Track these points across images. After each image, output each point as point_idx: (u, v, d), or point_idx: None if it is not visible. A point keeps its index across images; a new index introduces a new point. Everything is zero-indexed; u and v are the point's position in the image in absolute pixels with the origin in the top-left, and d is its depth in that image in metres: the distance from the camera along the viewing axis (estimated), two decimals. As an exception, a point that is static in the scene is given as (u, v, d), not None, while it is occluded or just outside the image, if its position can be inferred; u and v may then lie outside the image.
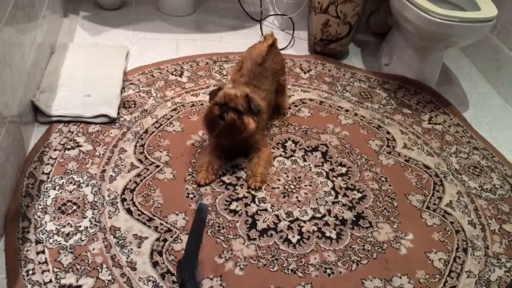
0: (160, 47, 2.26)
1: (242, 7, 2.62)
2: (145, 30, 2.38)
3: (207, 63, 2.17)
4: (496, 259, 1.47)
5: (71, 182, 1.51)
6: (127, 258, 1.32)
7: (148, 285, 1.27)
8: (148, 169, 1.60)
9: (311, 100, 2.02)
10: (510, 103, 2.23)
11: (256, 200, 1.55)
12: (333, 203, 1.58)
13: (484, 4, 1.94)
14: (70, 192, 1.48)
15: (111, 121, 1.76)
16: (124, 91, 1.92)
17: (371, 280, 1.36)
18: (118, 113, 1.80)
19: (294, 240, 1.44)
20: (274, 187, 1.60)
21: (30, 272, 1.25)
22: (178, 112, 1.86)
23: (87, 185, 1.51)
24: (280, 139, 1.81)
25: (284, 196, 1.58)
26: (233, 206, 1.52)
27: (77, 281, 1.25)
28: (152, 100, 1.90)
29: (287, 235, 1.45)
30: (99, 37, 2.29)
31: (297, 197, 1.58)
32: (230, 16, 2.60)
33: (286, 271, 1.35)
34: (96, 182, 1.53)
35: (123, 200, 1.48)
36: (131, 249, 1.35)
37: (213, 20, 2.55)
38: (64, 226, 1.38)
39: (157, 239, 1.38)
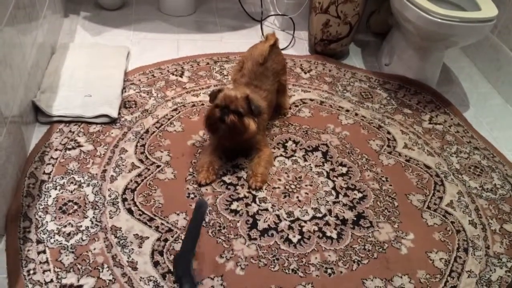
0: (160, 47, 2.26)
1: (242, 7, 2.62)
2: (145, 30, 2.38)
3: (208, 63, 2.17)
4: (497, 259, 1.47)
5: (72, 182, 1.52)
6: (128, 258, 1.32)
7: (149, 285, 1.27)
8: (149, 169, 1.60)
9: (311, 100, 2.03)
10: (510, 103, 2.23)
11: (257, 200, 1.55)
12: (334, 203, 1.58)
13: (484, 4, 1.94)
14: (71, 192, 1.49)
15: (112, 121, 1.76)
16: (125, 91, 1.93)
17: (372, 280, 1.36)
18: (119, 113, 1.80)
19: (295, 240, 1.44)
20: (275, 187, 1.60)
21: (31, 272, 1.26)
22: (179, 112, 1.86)
23: (88, 185, 1.51)
24: (281, 139, 1.81)
25: (285, 196, 1.58)
26: (234, 206, 1.52)
27: (78, 281, 1.25)
28: (152, 100, 1.90)
29: (288, 235, 1.45)
30: (99, 37, 2.29)
31: (297, 197, 1.58)
32: (230, 16, 2.60)
33: (287, 271, 1.36)
34: (97, 182, 1.53)
35: (124, 200, 1.49)
36: (132, 249, 1.35)
37: (213, 20, 2.55)
38: (65, 226, 1.38)
39: (158, 239, 1.39)
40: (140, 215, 1.45)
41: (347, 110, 1.99)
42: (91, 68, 1.95)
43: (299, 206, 1.55)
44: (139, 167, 1.60)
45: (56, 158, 1.59)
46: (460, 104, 2.18)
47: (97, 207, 1.45)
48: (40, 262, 1.28)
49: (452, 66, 2.45)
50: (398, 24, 2.20)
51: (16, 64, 1.51)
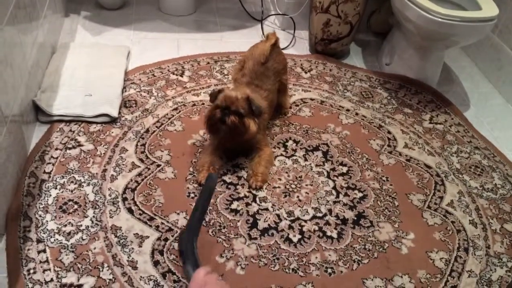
0: (161, 47, 2.26)
1: (243, 6, 2.62)
2: (146, 29, 2.38)
3: (208, 63, 2.17)
4: (497, 258, 1.47)
5: (72, 181, 1.52)
6: (128, 257, 1.32)
7: (149, 284, 1.27)
8: (149, 169, 1.60)
9: (312, 99, 2.02)
10: (511, 103, 2.23)
11: (257, 199, 1.55)
12: (334, 202, 1.58)
13: (485, 3, 1.94)
14: (71, 191, 1.49)
15: (112, 121, 1.76)
16: (125, 91, 1.93)
17: (372, 280, 1.36)
18: (119, 113, 1.80)
19: (295, 240, 1.44)
20: (275, 187, 1.60)
21: (31, 271, 1.26)
22: (179, 111, 1.86)
23: (88, 184, 1.51)
24: (281, 138, 1.81)
25: (285, 196, 1.58)
26: (234, 205, 1.52)
27: (78, 280, 1.25)
28: (153, 99, 1.90)
29: (288, 234, 1.45)
30: (100, 37, 2.30)
31: (298, 197, 1.58)
32: (231, 16, 2.60)
33: (287, 270, 1.35)
34: (97, 182, 1.53)
35: (124, 199, 1.49)
36: (132, 248, 1.35)
37: (214, 19, 2.55)
38: (65, 225, 1.38)
39: (158, 238, 1.39)
40: (140, 214, 1.45)
41: (348, 110, 1.99)
42: (91, 68, 1.95)
43: (299, 206, 1.55)
44: (139, 166, 1.60)
45: (57, 158, 1.59)
46: (461, 103, 2.17)
47: (97, 207, 1.45)
48: (40, 261, 1.28)
49: (452, 66, 2.44)
50: (398, 23, 2.20)
51: (16, 63, 1.51)
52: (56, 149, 1.62)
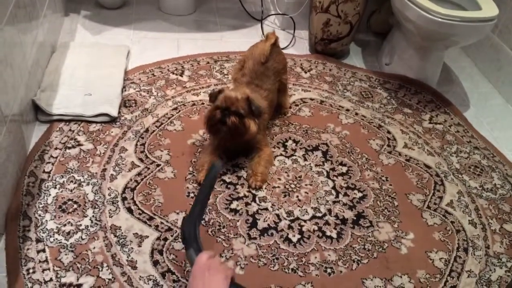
0: (161, 46, 2.26)
1: (243, 6, 2.62)
2: (146, 29, 2.38)
3: (208, 62, 2.17)
4: (496, 258, 1.47)
5: (71, 181, 1.52)
6: (127, 257, 1.32)
7: (148, 284, 1.27)
8: (148, 168, 1.60)
9: (311, 99, 2.02)
10: (511, 103, 2.23)
11: (257, 199, 1.55)
12: (334, 202, 1.58)
13: (485, 3, 1.94)
14: (71, 191, 1.49)
15: (112, 120, 1.76)
16: (125, 90, 1.93)
17: (372, 280, 1.36)
18: (119, 112, 1.80)
19: (294, 240, 1.44)
20: (275, 186, 1.60)
21: (31, 270, 1.26)
22: (179, 111, 1.86)
23: (88, 184, 1.51)
24: (281, 138, 1.81)
25: (285, 195, 1.58)
26: (234, 205, 1.52)
27: (78, 279, 1.25)
28: (153, 99, 1.90)
29: (288, 234, 1.45)
30: (100, 36, 2.30)
31: (297, 197, 1.58)
32: (231, 16, 2.60)
33: (286, 270, 1.36)
34: (97, 181, 1.53)
35: (124, 199, 1.49)
36: (132, 248, 1.35)
37: (214, 19, 2.55)
38: (64, 225, 1.38)
39: (158, 238, 1.39)
40: (139, 214, 1.45)
41: (347, 110, 1.99)
42: (91, 67, 1.95)
43: (299, 206, 1.55)
44: (139, 166, 1.60)
45: (56, 157, 1.59)
46: (461, 104, 2.17)
47: (96, 206, 1.45)
48: (40, 261, 1.28)
49: (452, 66, 2.44)
50: (398, 23, 2.20)
51: (16, 63, 1.51)
52: (56, 148, 1.62)
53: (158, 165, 1.61)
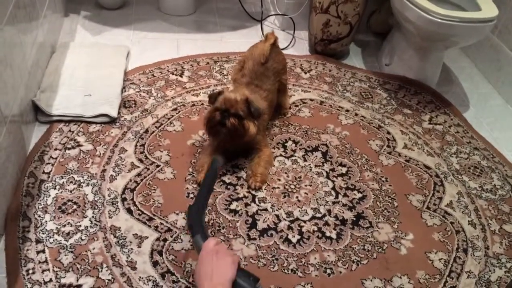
0: (160, 47, 2.26)
1: (242, 7, 2.62)
2: (145, 29, 2.38)
3: (208, 63, 2.17)
4: (496, 259, 1.47)
5: (71, 182, 1.52)
6: (127, 258, 1.32)
7: (148, 284, 1.27)
8: (148, 169, 1.60)
9: (311, 100, 2.02)
10: (511, 104, 2.23)
11: (256, 200, 1.55)
12: (333, 203, 1.58)
13: (485, 4, 1.94)
14: (71, 191, 1.49)
15: (112, 121, 1.76)
16: (125, 91, 1.93)
17: (371, 280, 1.36)
18: (119, 113, 1.80)
19: (294, 240, 1.44)
20: (275, 187, 1.60)
21: (30, 271, 1.26)
22: (179, 111, 1.86)
23: (88, 185, 1.51)
24: (281, 139, 1.81)
25: (284, 196, 1.58)
26: (233, 206, 1.52)
27: (77, 280, 1.25)
28: (152, 99, 1.90)
29: (287, 235, 1.45)
30: (100, 36, 2.30)
31: (297, 197, 1.58)
32: (230, 16, 2.60)
33: (286, 271, 1.36)
34: (97, 182, 1.53)
35: (124, 199, 1.49)
36: (131, 248, 1.35)
37: (213, 20, 2.55)
38: (64, 226, 1.38)
39: (157, 239, 1.39)
40: (139, 214, 1.45)
41: (347, 110, 1.99)
42: (91, 68, 1.95)
43: (298, 206, 1.55)
44: (138, 166, 1.60)
45: (56, 158, 1.59)
46: (460, 104, 2.17)
47: (96, 207, 1.45)
48: (39, 262, 1.28)
49: (452, 66, 2.44)
50: (398, 24, 2.20)
51: (16, 63, 1.51)
52: (56, 149, 1.62)
53: (157, 166, 1.61)
